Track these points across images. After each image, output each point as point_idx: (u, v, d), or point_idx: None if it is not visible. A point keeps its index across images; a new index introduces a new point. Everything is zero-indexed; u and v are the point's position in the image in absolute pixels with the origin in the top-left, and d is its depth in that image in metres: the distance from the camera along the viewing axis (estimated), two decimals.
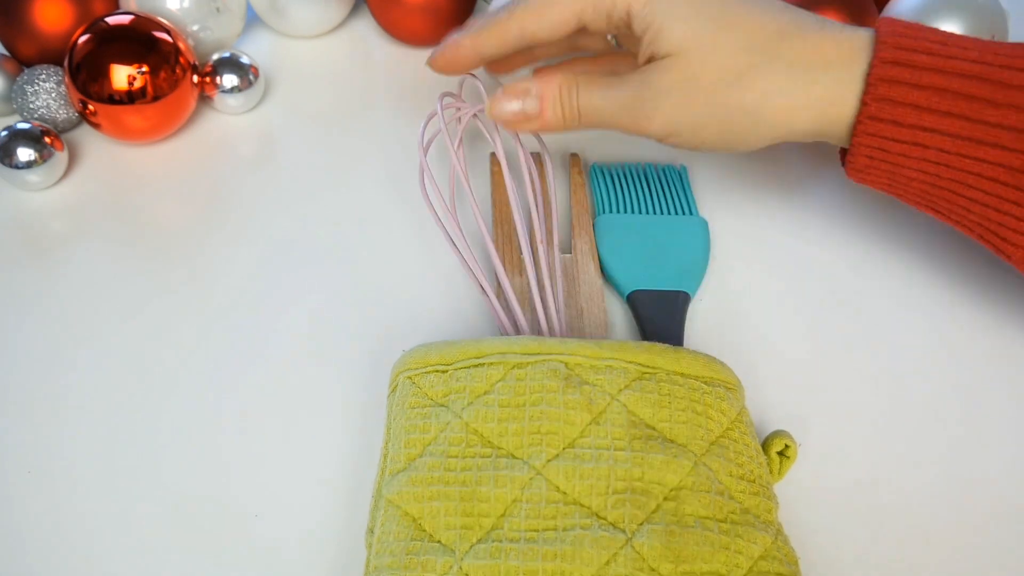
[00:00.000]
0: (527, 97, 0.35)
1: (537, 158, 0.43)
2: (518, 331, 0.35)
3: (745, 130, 0.33)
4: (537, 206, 0.37)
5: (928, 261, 0.40)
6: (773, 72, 0.32)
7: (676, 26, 0.32)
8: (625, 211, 0.41)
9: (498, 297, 0.36)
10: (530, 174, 0.37)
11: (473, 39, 0.36)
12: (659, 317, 0.37)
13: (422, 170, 0.37)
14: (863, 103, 0.31)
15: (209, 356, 0.36)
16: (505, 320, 0.35)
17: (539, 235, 0.36)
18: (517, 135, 0.38)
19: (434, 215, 0.37)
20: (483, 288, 0.36)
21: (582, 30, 0.35)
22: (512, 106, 0.35)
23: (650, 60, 0.33)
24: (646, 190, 0.42)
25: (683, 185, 0.43)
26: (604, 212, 0.41)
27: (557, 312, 0.35)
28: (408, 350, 0.33)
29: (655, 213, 0.41)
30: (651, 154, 0.45)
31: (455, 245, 0.37)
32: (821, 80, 0.32)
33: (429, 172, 0.38)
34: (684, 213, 0.41)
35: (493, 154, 0.44)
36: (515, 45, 0.36)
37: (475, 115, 0.37)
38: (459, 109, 0.40)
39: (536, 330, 0.35)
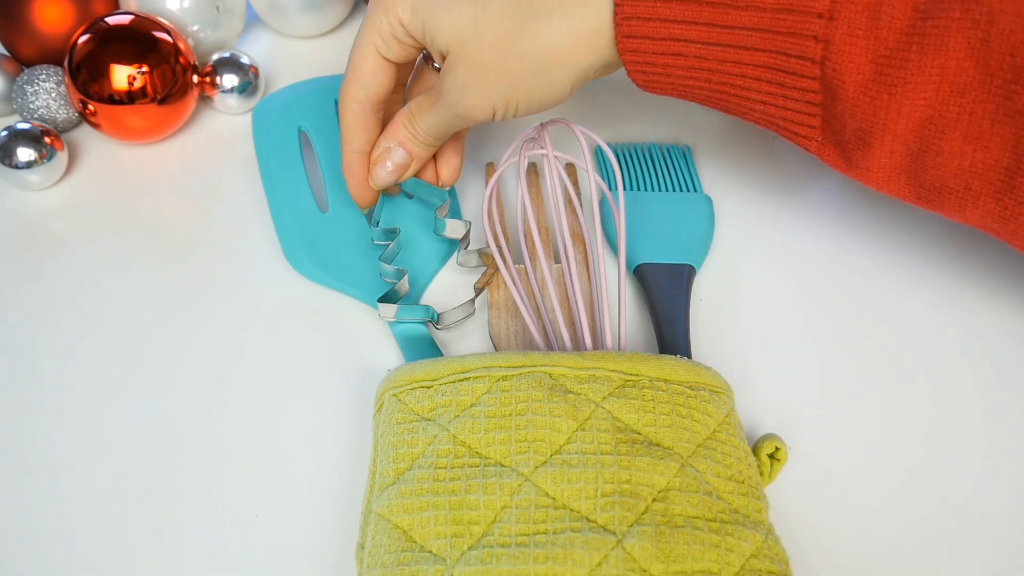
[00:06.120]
0: (391, 153, 0.37)
1: (533, 173, 0.43)
2: (549, 344, 0.35)
3: (545, 85, 0.34)
4: (531, 224, 0.37)
5: (929, 260, 0.40)
6: (538, 28, 0.32)
7: (441, 23, 0.33)
8: (632, 188, 0.43)
9: (536, 313, 0.37)
10: (522, 199, 0.37)
11: (348, 151, 0.37)
12: (666, 288, 0.38)
13: (491, 193, 0.37)
14: (616, 24, 0.32)
15: (209, 356, 0.37)
16: (538, 337, 0.35)
17: (537, 249, 0.37)
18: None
19: (491, 236, 0.37)
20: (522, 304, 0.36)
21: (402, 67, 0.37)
22: (387, 167, 0.37)
23: (443, 59, 0.34)
24: (651, 168, 0.44)
25: (687, 164, 0.44)
26: (613, 189, 0.42)
27: (561, 323, 0.35)
28: (392, 369, 0.33)
29: (661, 190, 0.43)
30: (656, 134, 0.46)
31: (505, 262, 0.37)
32: (579, 15, 0.32)
33: (495, 195, 0.38)
34: (689, 190, 0.43)
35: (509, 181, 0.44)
36: (371, 119, 0.37)
37: (556, 157, 0.37)
38: (542, 147, 0.38)
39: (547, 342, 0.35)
